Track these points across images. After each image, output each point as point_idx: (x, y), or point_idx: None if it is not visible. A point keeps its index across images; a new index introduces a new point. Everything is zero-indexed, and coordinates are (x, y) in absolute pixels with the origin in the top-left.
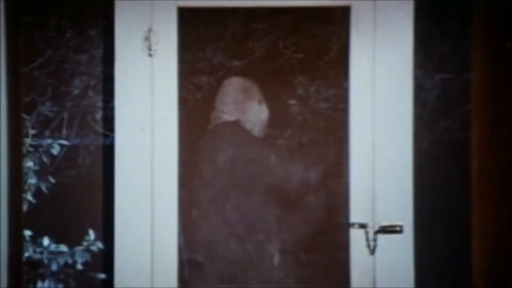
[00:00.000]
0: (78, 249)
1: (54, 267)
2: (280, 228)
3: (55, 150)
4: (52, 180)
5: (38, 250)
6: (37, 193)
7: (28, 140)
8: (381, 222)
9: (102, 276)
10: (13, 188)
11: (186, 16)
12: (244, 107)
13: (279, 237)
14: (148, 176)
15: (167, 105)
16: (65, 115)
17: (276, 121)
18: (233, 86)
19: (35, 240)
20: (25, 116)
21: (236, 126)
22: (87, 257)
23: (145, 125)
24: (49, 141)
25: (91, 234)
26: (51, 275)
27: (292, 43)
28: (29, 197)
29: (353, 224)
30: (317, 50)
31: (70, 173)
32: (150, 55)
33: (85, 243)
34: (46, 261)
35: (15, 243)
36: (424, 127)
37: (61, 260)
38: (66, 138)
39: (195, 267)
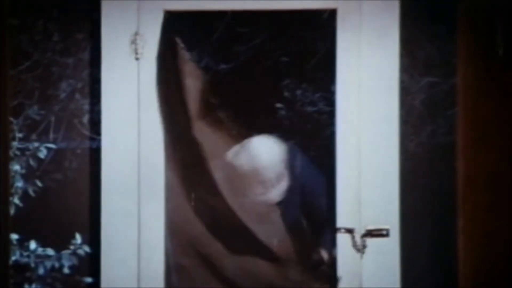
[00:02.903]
0: (65, 252)
1: (41, 271)
2: (267, 229)
3: (42, 154)
4: (39, 183)
5: (25, 254)
6: (24, 196)
7: (15, 144)
8: (367, 225)
9: (88, 279)
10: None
11: (173, 20)
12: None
13: (266, 239)
14: (135, 179)
15: (153, 108)
16: (52, 118)
17: (262, 124)
18: None
19: (22, 243)
20: (12, 119)
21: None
22: (74, 260)
23: (131, 128)
24: (36, 144)
25: (78, 238)
26: (38, 279)
27: (278, 47)
28: (16, 200)
29: (339, 229)
30: (303, 54)
31: (57, 176)
32: (137, 59)
33: (72, 247)
34: (33, 265)
35: (2, 246)
36: (410, 130)
37: (48, 264)
38: (53, 142)
39: (182, 270)
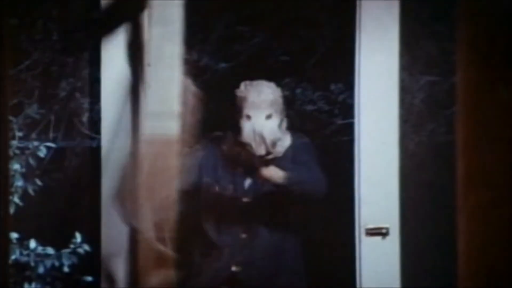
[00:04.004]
0: (65, 251)
1: (41, 269)
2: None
3: (42, 153)
4: (39, 182)
5: (25, 252)
6: (24, 195)
7: (14, 143)
8: (367, 224)
9: (88, 278)
10: None
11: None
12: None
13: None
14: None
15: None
16: (52, 117)
17: None
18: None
19: (22, 242)
20: (11, 118)
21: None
22: (74, 259)
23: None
24: (36, 143)
25: (78, 237)
26: (37, 278)
27: (278, 46)
28: (16, 199)
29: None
30: (303, 52)
31: (57, 175)
32: None
33: (72, 246)
34: (33, 264)
35: (1, 245)
36: (410, 129)
37: (48, 263)
38: (53, 141)
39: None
